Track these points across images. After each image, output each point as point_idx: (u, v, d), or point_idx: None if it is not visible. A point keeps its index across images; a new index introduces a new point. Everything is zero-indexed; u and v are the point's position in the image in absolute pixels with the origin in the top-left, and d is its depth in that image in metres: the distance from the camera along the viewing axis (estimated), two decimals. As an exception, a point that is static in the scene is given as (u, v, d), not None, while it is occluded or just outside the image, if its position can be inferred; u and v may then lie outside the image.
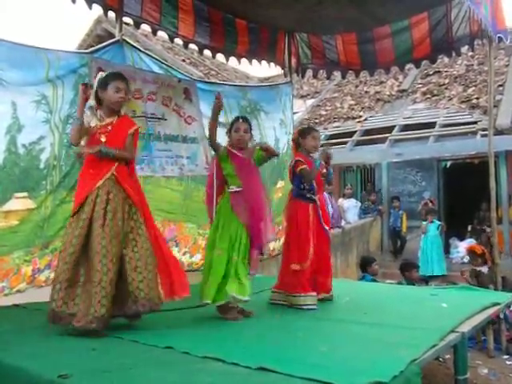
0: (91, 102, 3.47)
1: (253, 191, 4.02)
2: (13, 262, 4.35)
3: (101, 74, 3.61)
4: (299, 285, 4.33)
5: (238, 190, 3.96)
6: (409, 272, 6.93)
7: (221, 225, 3.97)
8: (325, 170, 4.67)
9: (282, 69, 7.32)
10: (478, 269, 6.52)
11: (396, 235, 11.57)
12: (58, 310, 3.27)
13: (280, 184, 6.92)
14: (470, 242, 10.80)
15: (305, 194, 4.51)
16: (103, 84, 3.50)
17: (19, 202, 4.37)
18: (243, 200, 3.94)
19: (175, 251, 5.79)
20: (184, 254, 5.87)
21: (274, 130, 6.88)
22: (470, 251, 6.95)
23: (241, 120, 4.11)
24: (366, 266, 6.79)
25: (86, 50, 5.62)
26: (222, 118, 6.27)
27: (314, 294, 4.41)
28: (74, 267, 3.29)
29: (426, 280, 8.37)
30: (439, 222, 10.47)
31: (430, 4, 6.06)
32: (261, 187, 4.18)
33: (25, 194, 4.41)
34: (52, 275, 4.66)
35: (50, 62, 4.56)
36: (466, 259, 10.47)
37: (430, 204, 11.02)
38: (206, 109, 6.10)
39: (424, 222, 10.36)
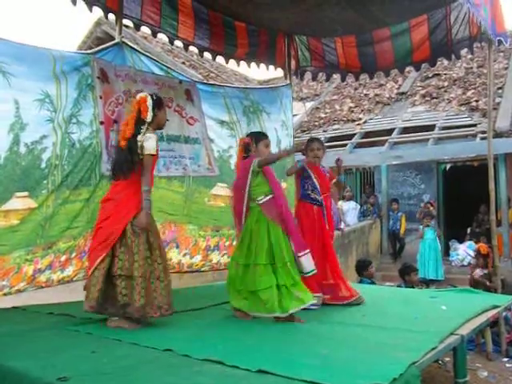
0: (149, 117, 3.73)
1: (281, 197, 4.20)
2: (13, 261, 4.32)
3: (155, 94, 3.92)
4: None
5: (267, 198, 4.11)
6: (408, 275, 6.91)
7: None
8: (335, 180, 5.07)
9: (284, 71, 7.31)
10: (476, 271, 6.55)
11: (395, 238, 11.57)
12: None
13: (283, 185, 6.90)
14: (469, 244, 10.81)
15: (309, 194, 4.79)
16: (160, 104, 3.86)
17: (20, 202, 4.33)
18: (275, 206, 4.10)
19: (175, 252, 5.80)
20: (184, 255, 5.85)
21: (276, 131, 6.87)
22: (476, 249, 7.01)
23: (268, 138, 4.43)
24: (362, 270, 6.78)
25: (88, 51, 5.62)
26: (225, 117, 6.33)
27: (320, 294, 4.53)
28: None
29: (426, 282, 8.35)
30: (434, 228, 10.30)
31: (429, 7, 6.06)
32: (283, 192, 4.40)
33: (25, 193, 4.37)
34: (53, 276, 4.68)
35: (55, 57, 4.55)
36: (466, 262, 10.49)
37: (431, 207, 10.98)
38: (207, 109, 6.11)
39: (421, 227, 10.29)
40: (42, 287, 4.67)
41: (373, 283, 6.54)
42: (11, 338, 3.26)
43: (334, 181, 5.06)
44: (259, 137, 4.39)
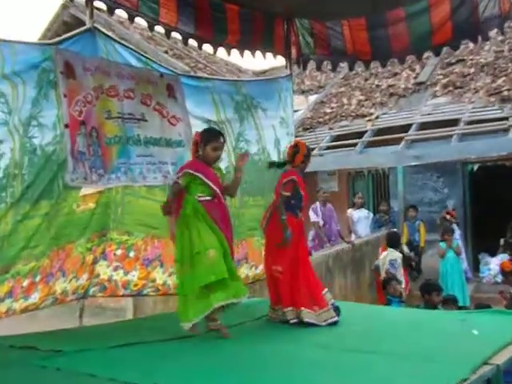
0: None
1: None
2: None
3: None
4: (320, 300, 4.84)
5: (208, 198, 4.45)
6: (429, 295, 6.89)
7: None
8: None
9: (285, 59, 7.30)
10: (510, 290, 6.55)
11: (414, 250, 11.33)
12: None
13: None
14: (502, 258, 10.75)
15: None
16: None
17: (-26, 219, 4.30)
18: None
19: (159, 272, 5.80)
20: (170, 275, 5.82)
21: (274, 130, 6.85)
22: (500, 268, 6.99)
23: (222, 139, 4.65)
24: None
25: (50, 41, 5.56)
26: (212, 116, 6.32)
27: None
28: None
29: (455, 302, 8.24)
30: (457, 242, 10.04)
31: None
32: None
33: None
34: (15, 305, 4.61)
35: (4, 56, 4.46)
36: (499, 278, 10.43)
37: (449, 216, 10.80)
38: (192, 107, 6.09)
39: (442, 244, 9.87)
40: (1, 318, 4.61)
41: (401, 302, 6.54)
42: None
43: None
44: (209, 137, 4.62)
